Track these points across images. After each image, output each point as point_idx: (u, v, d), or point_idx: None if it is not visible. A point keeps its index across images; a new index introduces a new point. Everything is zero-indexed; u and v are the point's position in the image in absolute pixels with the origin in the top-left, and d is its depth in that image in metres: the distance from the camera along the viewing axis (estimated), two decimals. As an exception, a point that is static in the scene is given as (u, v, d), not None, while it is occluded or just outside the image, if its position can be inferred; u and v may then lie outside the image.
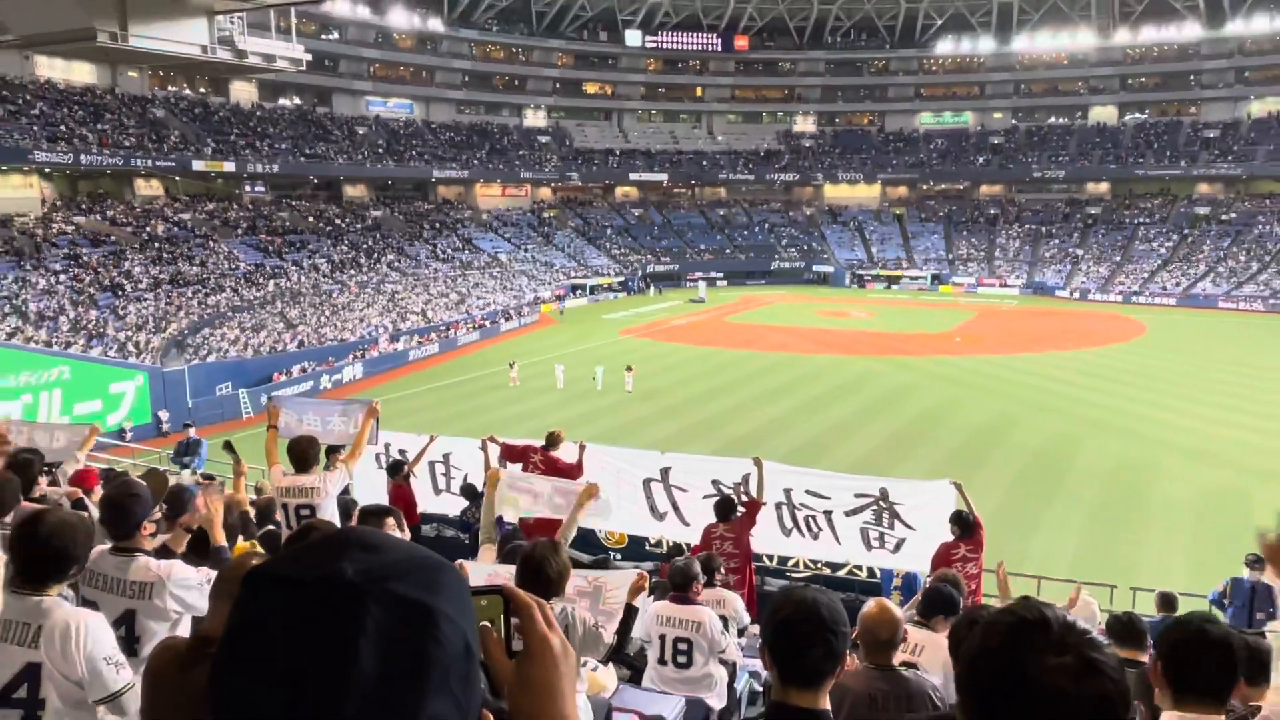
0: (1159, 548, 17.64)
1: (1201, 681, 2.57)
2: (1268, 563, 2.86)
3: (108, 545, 3.95)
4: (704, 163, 78.97)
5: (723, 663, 5.82)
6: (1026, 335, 46.56)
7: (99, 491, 6.75)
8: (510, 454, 8.78)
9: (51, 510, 3.37)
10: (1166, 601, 8.47)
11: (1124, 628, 5.15)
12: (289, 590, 0.82)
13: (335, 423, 8.77)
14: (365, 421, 7.68)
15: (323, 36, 61.31)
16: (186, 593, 3.88)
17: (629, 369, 33.56)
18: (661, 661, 5.63)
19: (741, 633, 6.64)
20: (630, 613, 4.90)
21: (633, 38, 77.26)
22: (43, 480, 6.80)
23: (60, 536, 3.09)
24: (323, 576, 0.82)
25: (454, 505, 11.12)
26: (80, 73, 47.74)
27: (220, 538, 4.71)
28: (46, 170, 42.49)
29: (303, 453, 6.69)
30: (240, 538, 5.94)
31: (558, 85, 77.86)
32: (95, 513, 5.00)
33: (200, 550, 4.79)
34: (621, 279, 66.51)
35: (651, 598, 5.83)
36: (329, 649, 0.78)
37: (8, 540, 3.38)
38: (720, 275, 70.15)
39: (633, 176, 76.42)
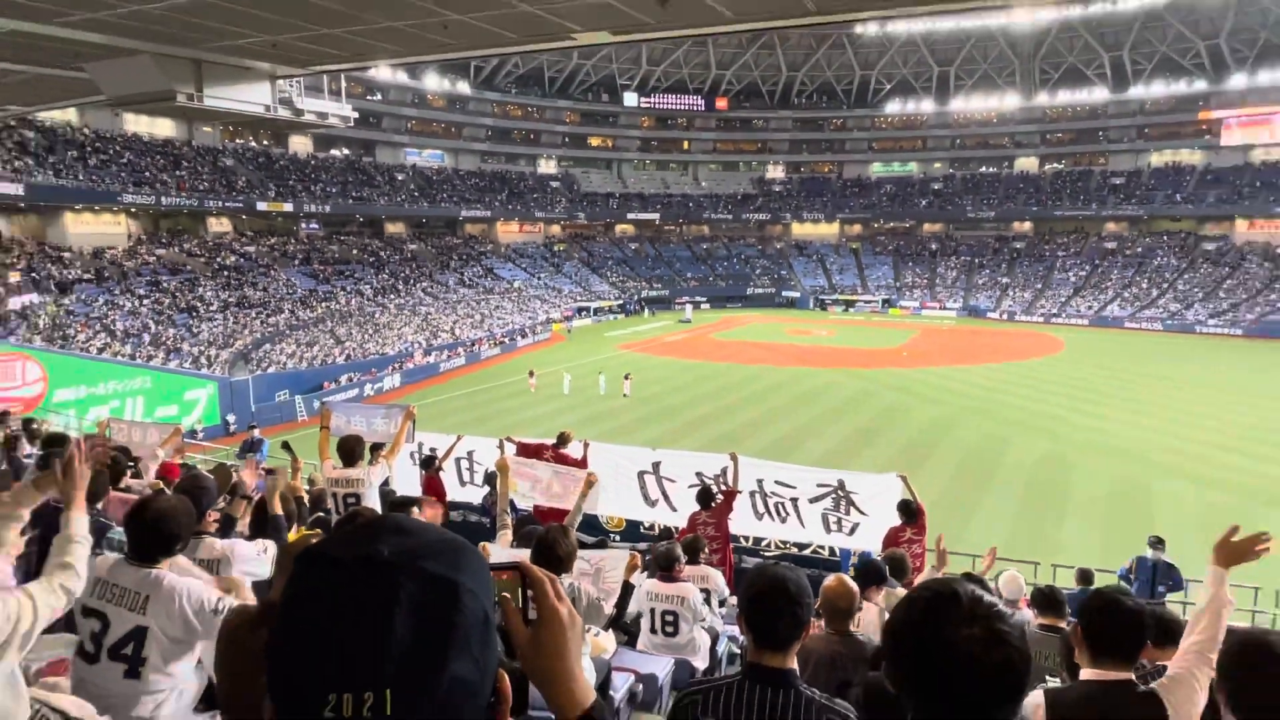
0: (1076, 530, 17.62)
1: (1115, 644, 2.58)
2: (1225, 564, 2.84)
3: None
4: (690, 204, 79.09)
5: (705, 630, 5.80)
6: (963, 350, 46.61)
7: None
8: (525, 451, 8.71)
9: (158, 496, 3.39)
10: (1084, 576, 8.45)
11: (1046, 599, 5.15)
12: (335, 568, 0.83)
13: (378, 424, 8.77)
14: (403, 423, 7.68)
15: (368, 98, 61.42)
16: (248, 564, 4.02)
17: (627, 377, 33.50)
18: (652, 631, 5.60)
19: (722, 604, 6.61)
20: (627, 588, 4.89)
21: (630, 99, 77.57)
22: (127, 474, 6.81)
23: (165, 520, 3.12)
24: (363, 556, 0.83)
25: (476, 495, 11.07)
26: (162, 127, 47.73)
27: (278, 507, 4.74)
28: (133, 210, 42.39)
29: (350, 449, 6.69)
30: (296, 524, 5.92)
31: (567, 139, 78.00)
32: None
33: (261, 526, 4.81)
34: (620, 302, 66.42)
35: (644, 574, 5.81)
36: (369, 618, 0.79)
37: (122, 520, 3.41)
38: (704, 299, 70.05)
39: (630, 216, 76.47)
